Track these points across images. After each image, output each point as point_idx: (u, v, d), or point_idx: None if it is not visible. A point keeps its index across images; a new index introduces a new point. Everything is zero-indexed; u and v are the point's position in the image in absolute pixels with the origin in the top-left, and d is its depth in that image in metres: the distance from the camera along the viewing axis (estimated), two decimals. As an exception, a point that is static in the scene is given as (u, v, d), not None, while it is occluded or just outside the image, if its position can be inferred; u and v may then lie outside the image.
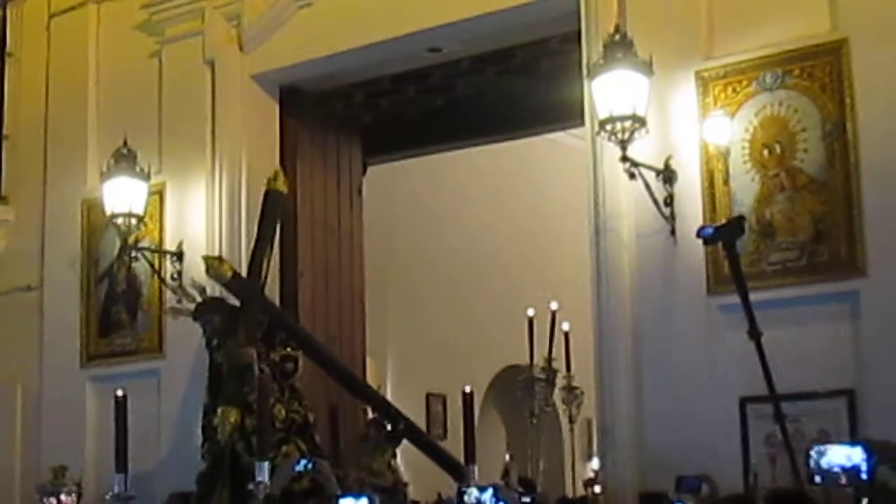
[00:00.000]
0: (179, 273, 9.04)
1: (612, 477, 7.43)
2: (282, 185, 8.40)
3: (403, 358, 12.25)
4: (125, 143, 8.81)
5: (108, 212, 8.78)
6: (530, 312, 9.23)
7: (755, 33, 7.25)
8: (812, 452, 3.34)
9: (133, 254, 9.11)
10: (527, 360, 9.39)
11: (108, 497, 7.36)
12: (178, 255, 9.10)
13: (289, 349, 8.07)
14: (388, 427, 8.09)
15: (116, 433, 7.37)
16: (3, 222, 10.24)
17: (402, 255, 12.37)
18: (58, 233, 9.88)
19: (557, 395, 10.41)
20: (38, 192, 10.05)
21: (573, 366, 9.63)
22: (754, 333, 5.72)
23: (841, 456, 3.30)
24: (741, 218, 6.52)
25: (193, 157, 9.24)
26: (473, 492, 5.57)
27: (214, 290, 8.32)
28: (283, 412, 7.83)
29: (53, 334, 9.76)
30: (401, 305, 12.27)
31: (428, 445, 8.66)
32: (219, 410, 7.69)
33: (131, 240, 8.93)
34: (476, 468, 6.71)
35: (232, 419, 7.61)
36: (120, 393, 7.46)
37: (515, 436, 12.07)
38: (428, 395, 12.29)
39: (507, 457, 12.37)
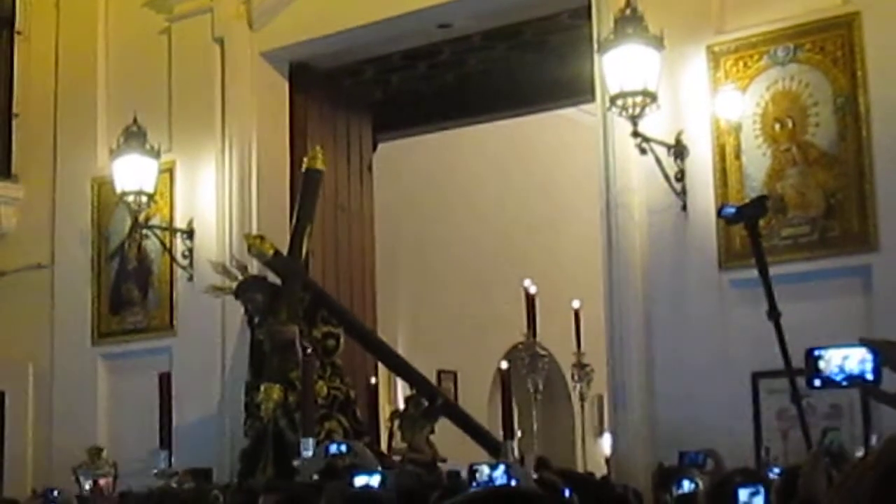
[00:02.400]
0: (190, 251, 9.06)
1: (623, 452, 7.44)
2: (321, 164, 8.38)
3: (414, 335, 12.23)
4: (135, 121, 8.81)
5: (119, 189, 8.79)
6: (532, 290, 9.16)
7: (766, 7, 7.22)
8: (812, 355, 3.27)
9: (143, 231, 9.13)
10: (537, 338, 9.35)
11: (154, 472, 7.46)
12: (189, 233, 9.10)
13: (330, 326, 8.10)
14: (426, 403, 8.13)
15: (161, 410, 7.50)
16: (14, 200, 10.24)
17: (413, 232, 12.35)
18: (68, 211, 9.88)
19: (568, 373, 10.40)
20: (48, 170, 10.05)
21: (583, 343, 9.63)
22: (773, 314, 5.67)
23: (842, 358, 3.24)
24: (764, 198, 6.43)
25: (203, 134, 9.23)
26: (485, 469, 5.53)
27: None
28: (326, 389, 7.85)
29: (64, 312, 9.77)
30: (411, 282, 12.25)
31: (465, 421, 8.67)
32: (261, 388, 7.74)
33: (142, 217, 8.95)
34: (515, 444, 6.72)
35: (275, 396, 7.66)
36: (164, 370, 7.55)
37: (525, 412, 12.06)
38: (439, 372, 12.28)
39: (519, 433, 12.39)
